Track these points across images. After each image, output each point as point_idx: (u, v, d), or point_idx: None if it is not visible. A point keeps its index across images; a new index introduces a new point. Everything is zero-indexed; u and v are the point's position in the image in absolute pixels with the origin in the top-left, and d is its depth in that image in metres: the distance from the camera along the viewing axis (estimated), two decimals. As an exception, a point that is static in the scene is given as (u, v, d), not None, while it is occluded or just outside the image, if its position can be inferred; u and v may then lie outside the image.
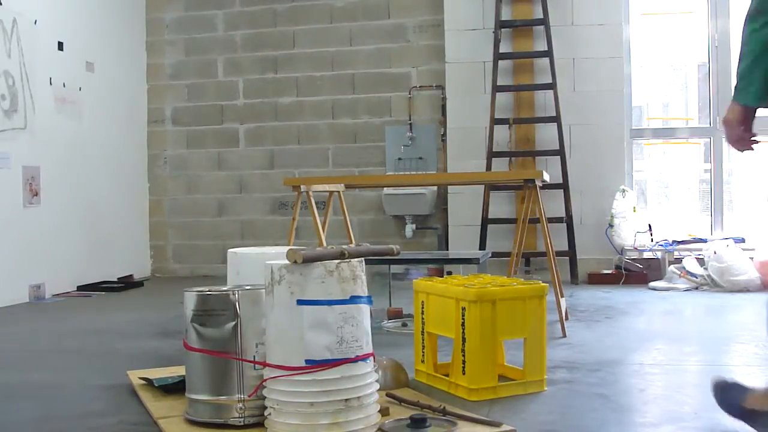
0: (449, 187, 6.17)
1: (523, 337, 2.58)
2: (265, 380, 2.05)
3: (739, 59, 2.07)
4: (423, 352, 2.75)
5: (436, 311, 2.68)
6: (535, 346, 2.58)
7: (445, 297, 2.60)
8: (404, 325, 3.96)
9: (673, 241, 5.83)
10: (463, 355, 2.49)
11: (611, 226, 5.78)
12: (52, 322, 4.51)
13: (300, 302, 1.99)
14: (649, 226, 5.86)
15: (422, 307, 2.73)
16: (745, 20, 2.06)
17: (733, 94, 2.10)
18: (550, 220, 5.19)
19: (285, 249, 2.11)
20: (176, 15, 6.95)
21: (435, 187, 6.26)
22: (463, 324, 2.49)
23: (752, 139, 2.14)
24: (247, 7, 6.80)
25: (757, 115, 2.08)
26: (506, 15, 6.06)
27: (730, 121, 2.10)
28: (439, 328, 2.68)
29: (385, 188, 6.22)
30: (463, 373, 2.51)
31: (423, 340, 2.75)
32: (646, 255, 5.82)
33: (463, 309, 2.49)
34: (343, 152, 6.65)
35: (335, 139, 6.66)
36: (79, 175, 5.98)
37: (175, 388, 2.54)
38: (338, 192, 4.54)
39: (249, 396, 2.14)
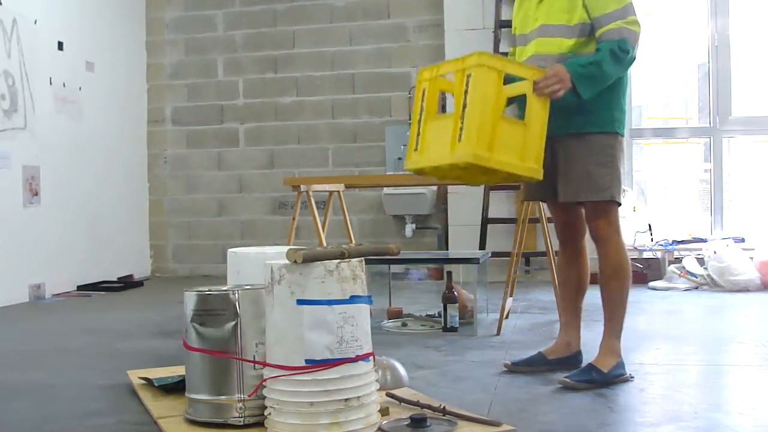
0: (449, 187, 6.16)
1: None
2: (265, 380, 2.05)
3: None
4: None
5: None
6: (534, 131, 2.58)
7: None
8: (404, 324, 3.97)
9: (673, 241, 5.83)
10: (462, 122, 2.52)
11: (611, 225, 5.78)
12: (52, 322, 4.51)
13: (300, 302, 1.99)
14: (649, 225, 5.85)
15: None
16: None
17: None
18: (550, 220, 5.17)
19: (285, 249, 2.11)
20: (176, 15, 6.95)
21: (435, 187, 6.25)
22: (466, 91, 2.55)
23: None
24: (247, 7, 6.80)
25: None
26: (506, 15, 6.04)
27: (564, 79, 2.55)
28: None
29: (385, 188, 6.21)
30: (459, 140, 2.52)
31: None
32: (646, 255, 5.82)
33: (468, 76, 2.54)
34: (343, 152, 6.65)
35: (335, 139, 6.66)
36: (79, 175, 5.97)
37: (175, 388, 2.54)
38: (338, 192, 4.54)
39: (249, 396, 2.14)
